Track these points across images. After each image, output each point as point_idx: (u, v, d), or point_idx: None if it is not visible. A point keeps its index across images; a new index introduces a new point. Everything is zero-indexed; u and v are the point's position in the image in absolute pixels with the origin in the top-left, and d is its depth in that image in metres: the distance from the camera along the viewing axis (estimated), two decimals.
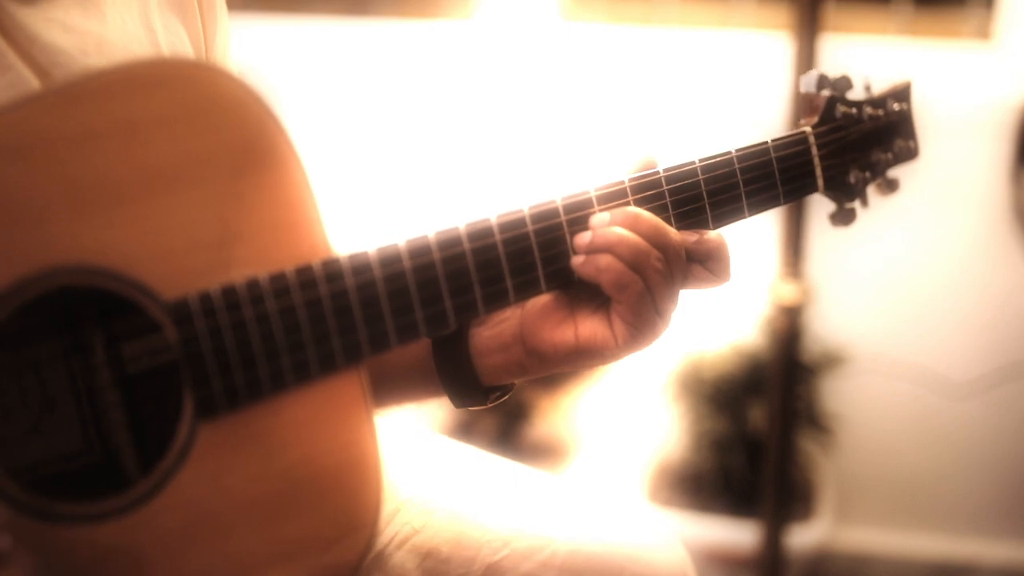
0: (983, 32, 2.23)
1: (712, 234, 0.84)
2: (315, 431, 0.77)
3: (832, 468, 2.18)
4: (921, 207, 2.08)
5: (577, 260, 0.81)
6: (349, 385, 0.78)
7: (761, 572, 1.85)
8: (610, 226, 0.81)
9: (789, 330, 1.68)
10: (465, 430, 2.12)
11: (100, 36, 0.79)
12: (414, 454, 1.03)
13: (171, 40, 0.86)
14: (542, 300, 0.85)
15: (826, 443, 2.09)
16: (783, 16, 2.07)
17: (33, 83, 0.76)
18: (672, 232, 0.82)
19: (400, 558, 0.94)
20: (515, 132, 2.16)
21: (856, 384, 2.13)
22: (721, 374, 2.05)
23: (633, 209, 0.82)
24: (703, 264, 0.84)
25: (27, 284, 0.68)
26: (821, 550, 2.09)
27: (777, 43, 1.86)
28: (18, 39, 0.76)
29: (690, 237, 0.83)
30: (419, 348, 0.88)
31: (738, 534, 1.99)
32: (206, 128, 0.73)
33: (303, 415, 0.76)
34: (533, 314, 0.85)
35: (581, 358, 0.84)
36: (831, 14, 1.85)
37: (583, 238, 0.81)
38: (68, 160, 0.69)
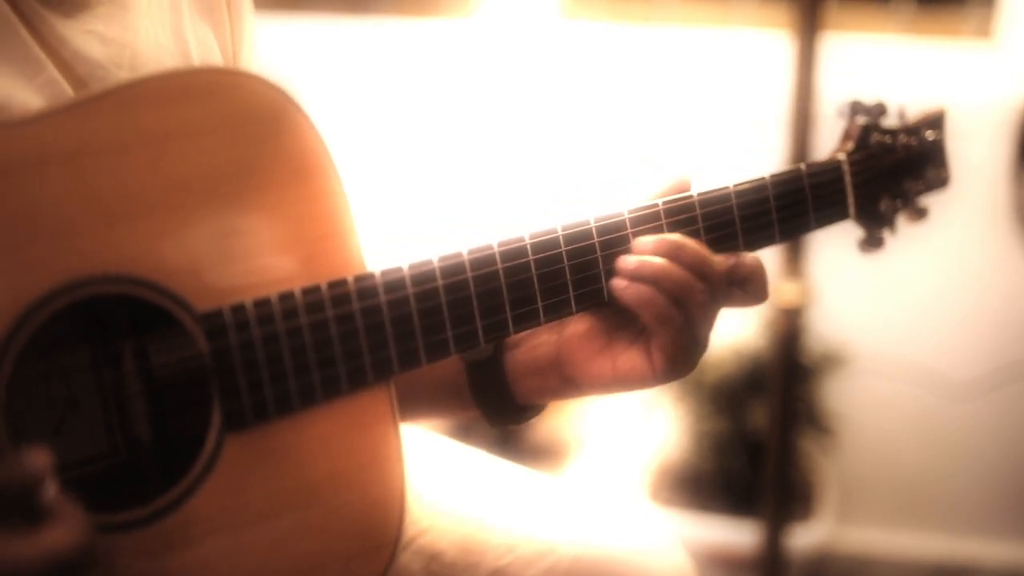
0: (984, 31, 2.23)
1: (749, 257, 0.83)
2: (341, 447, 0.76)
3: (832, 468, 2.18)
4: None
5: (620, 284, 0.80)
6: (377, 401, 0.77)
7: (761, 572, 1.84)
8: (654, 254, 0.80)
9: (789, 330, 1.68)
10: (465, 431, 2.11)
11: (134, 48, 0.79)
12: (419, 455, 1.03)
13: (202, 51, 0.86)
14: (580, 328, 0.84)
15: (826, 443, 2.09)
16: (783, 15, 2.07)
17: (68, 92, 0.75)
18: (715, 261, 0.81)
19: (406, 559, 0.94)
20: (515, 130, 2.16)
21: (856, 384, 2.13)
22: (722, 374, 2.05)
23: (678, 238, 0.81)
24: (741, 287, 0.83)
25: (60, 293, 0.67)
26: (821, 550, 2.09)
27: (777, 42, 1.85)
28: (59, 51, 0.75)
29: (728, 261, 0.82)
30: (451, 365, 0.87)
31: (738, 534, 1.99)
32: (243, 139, 0.73)
33: (330, 430, 0.76)
34: (571, 343, 0.84)
35: (617, 388, 0.83)
36: (831, 13, 1.84)
37: (627, 262, 0.80)
38: (102, 171, 0.69)
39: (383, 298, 0.75)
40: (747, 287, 0.83)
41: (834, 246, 1.89)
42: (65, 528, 0.62)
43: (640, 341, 0.82)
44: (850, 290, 2.12)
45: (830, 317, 2.06)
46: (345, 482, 0.76)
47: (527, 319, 0.80)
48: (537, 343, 0.86)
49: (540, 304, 0.80)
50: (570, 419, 2.24)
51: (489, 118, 2.16)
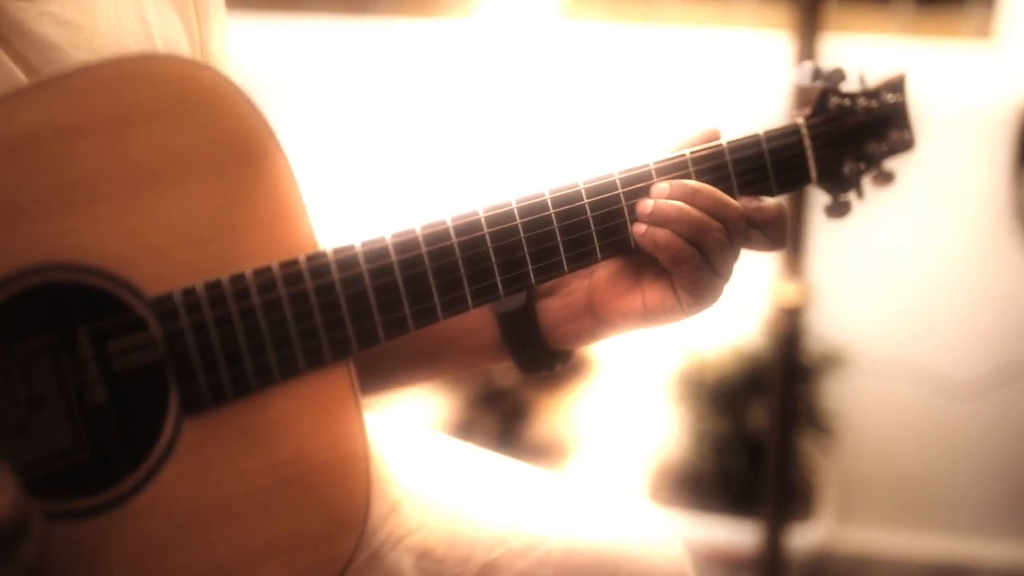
0: (983, 31, 2.23)
1: (771, 202, 0.85)
2: (302, 427, 0.76)
3: (832, 468, 2.18)
4: (921, 207, 2.08)
5: (639, 229, 0.83)
6: (337, 380, 0.77)
7: (761, 572, 1.85)
8: (669, 199, 0.82)
9: (789, 330, 1.68)
10: (465, 429, 2.12)
11: (92, 30, 0.79)
12: (409, 452, 1.03)
13: (165, 33, 0.86)
14: (609, 270, 0.87)
15: (826, 443, 2.09)
16: (783, 15, 2.07)
17: (21, 79, 0.75)
18: (731, 203, 0.83)
19: (395, 558, 0.93)
20: (515, 130, 2.16)
21: (856, 384, 2.13)
22: (722, 374, 2.05)
23: (692, 182, 0.83)
24: (761, 231, 0.85)
25: (10, 280, 0.68)
26: (821, 550, 2.09)
27: (777, 42, 1.86)
28: (7, 35, 0.75)
29: (750, 204, 0.84)
30: (479, 316, 0.89)
31: (738, 534, 1.99)
32: (191, 124, 0.73)
33: (291, 410, 0.76)
34: (601, 284, 0.87)
35: (649, 322, 0.86)
36: (831, 13, 1.84)
37: (644, 206, 0.82)
38: (53, 157, 0.69)
39: (336, 276, 0.75)
40: (767, 231, 0.85)
41: (834, 246, 1.90)
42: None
43: (666, 276, 0.84)
44: (850, 290, 2.12)
45: (830, 317, 2.06)
46: (309, 462, 0.76)
47: (550, 270, 0.82)
48: (570, 289, 0.89)
49: (564, 255, 0.81)
50: (570, 418, 2.24)
51: (489, 118, 2.16)
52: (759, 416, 1.97)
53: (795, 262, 1.66)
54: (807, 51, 1.60)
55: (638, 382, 2.19)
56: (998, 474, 2.19)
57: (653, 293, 0.84)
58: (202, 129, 0.73)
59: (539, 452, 2.22)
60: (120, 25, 0.81)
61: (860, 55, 2.13)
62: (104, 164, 0.70)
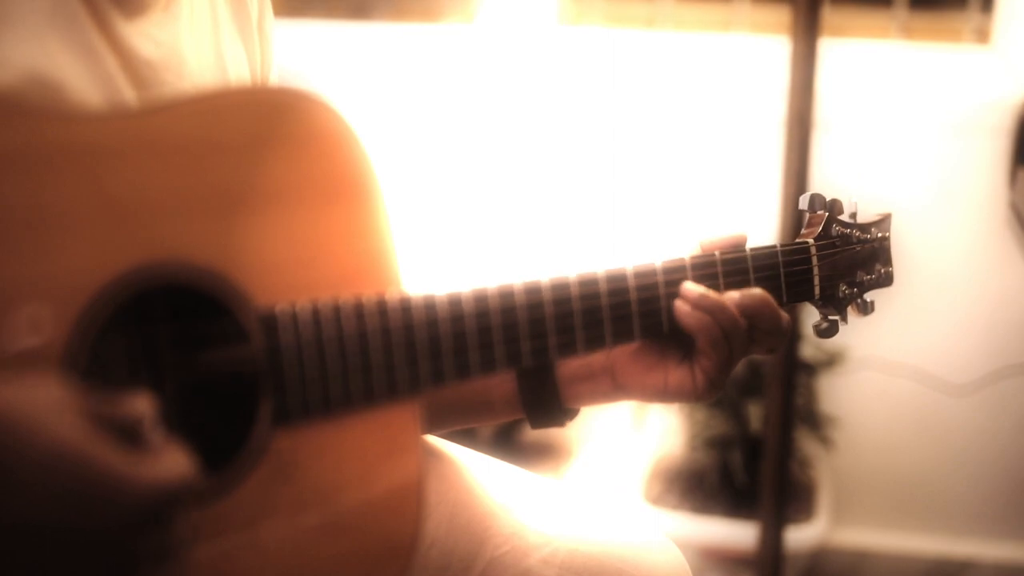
0: (981, 35, 2.25)
1: (785, 316, 0.93)
2: (370, 453, 0.81)
3: (831, 468, 2.19)
4: (920, 208, 2.09)
5: (684, 308, 0.89)
6: (406, 412, 0.82)
7: (760, 571, 1.86)
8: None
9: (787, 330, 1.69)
10: (465, 432, 2.12)
11: (181, 55, 0.85)
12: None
13: (237, 69, 0.93)
14: (631, 346, 0.93)
15: (825, 443, 2.10)
16: (781, 20, 2.08)
17: (128, 92, 0.80)
18: (776, 311, 0.91)
19: None
20: (515, 136, 2.17)
21: (855, 384, 2.14)
22: None
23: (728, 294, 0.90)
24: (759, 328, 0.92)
25: (132, 275, 0.71)
26: (820, 549, 2.10)
27: (775, 47, 1.87)
28: (119, 47, 0.80)
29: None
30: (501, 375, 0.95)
31: (737, 534, 2.00)
32: (311, 155, 0.79)
33: (362, 436, 0.80)
34: (626, 354, 0.94)
35: (664, 399, 0.94)
36: (829, 17, 1.86)
37: (692, 290, 0.89)
38: (186, 167, 0.75)
39: (439, 315, 0.81)
40: (758, 323, 0.91)
41: None
42: (174, 460, 0.66)
43: (687, 362, 0.92)
44: None
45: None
46: (370, 487, 0.80)
47: (593, 342, 0.88)
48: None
49: (608, 330, 0.88)
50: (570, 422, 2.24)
51: (489, 123, 2.17)
52: (758, 416, 1.98)
53: None
54: (805, 56, 1.61)
55: None
56: (995, 474, 2.20)
57: (676, 374, 0.92)
58: (320, 160, 0.80)
59: (538, 454, 2.23)
60: (200, 53, 0.87)
61: (858, 60, 2.15)
62: (235, 178, 0.76)
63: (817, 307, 0.98)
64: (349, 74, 2.25)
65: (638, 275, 0.89)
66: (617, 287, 0.88)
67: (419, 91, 2.21)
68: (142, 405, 0.66)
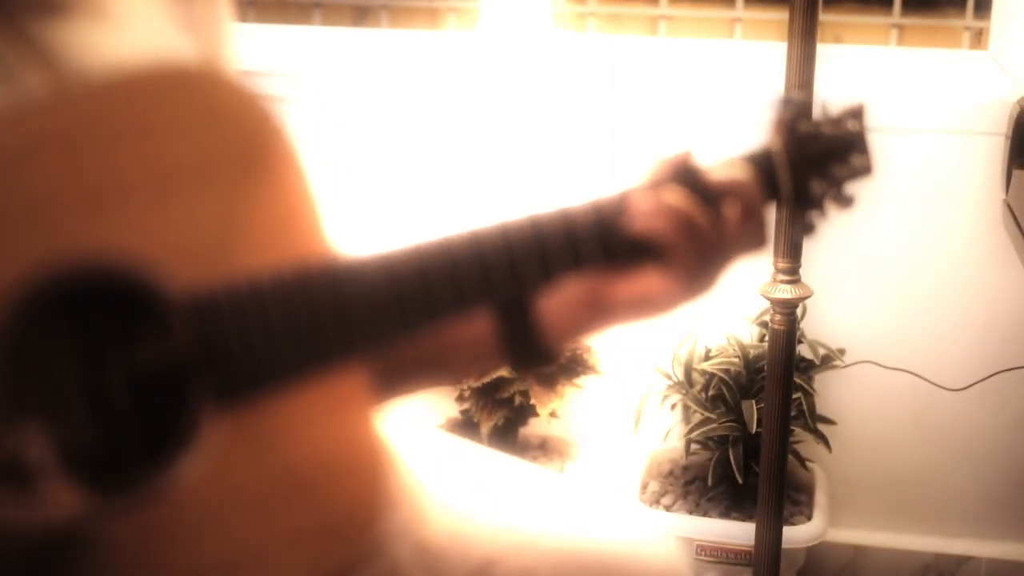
0: (977, 41, 2.27)
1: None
2: (316, 425, 0.78)
3: (829, 467, 2.20)
4: (917, 210, 2.10)
5: (633, 219, 0.85)
6: (350, 380, 0.79)
7: (758, 570, 1.86)
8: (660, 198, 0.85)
9: (786, 330, 1.70)
10: (465, 428, 2.13)
11: (113, 55, 0.81)
12: (409, 448, 1.04)
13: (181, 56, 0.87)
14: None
15: (824, 443, 2.11)
16: (779, 26, 2.10)
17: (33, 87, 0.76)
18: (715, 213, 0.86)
19: (393, 551, 0.94)
20: (516, 141, 2.18)
21: (852, 384, 2.15)
22: (719, 374, 2.07)
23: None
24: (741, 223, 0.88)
25: (38, 278, 0.70)
26: (818, 548, 2.11)
27: (772, 53, 1.88)
28: (36, 56, 0.77)
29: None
30: (478, 321, 0.90)
31: (735, 532, 2.01)
32: (213, 132, 0.75)
33: (308, 410, 0.78)
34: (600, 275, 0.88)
35: (650, 308, 0.88)
36: (827, 24, 1.87)
37: (639, 201, 0.85)
38: (83, 158, 0.72)
39: (352, 283, 0.78)
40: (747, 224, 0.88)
41: (830, 246, 1.92)
42: (60, 497, 0.64)
43: (659, 266, 0.86)
44: (846, 290, 2.15)
45: (826, 317, 2.09)
46: (322, 458, 0.78)
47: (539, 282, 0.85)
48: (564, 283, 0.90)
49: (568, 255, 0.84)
50: (570, 418, 2.25)
51: (490, 129, 2.17)
52: (756, 415, 1.98)
53: (792, 263, 1.68)
54: (803, 62, 1.62)
55: (637, 381, 2.21)
56: (992, 474, 2.21)
57: (653, 278, 0.87)
58: (223, 136, 0.76)
59: (539, 451, 2.24)
60: (138, 53, 0.83)
61: (855, 65, 2.16)
62: (131, 168, 0.73)
63: (793, 207, 0.95)
64: (350, 80, 2.26)
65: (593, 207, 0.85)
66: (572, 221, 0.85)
67: (420, 97, 2.22)
68: (26, 441, 0.63)
